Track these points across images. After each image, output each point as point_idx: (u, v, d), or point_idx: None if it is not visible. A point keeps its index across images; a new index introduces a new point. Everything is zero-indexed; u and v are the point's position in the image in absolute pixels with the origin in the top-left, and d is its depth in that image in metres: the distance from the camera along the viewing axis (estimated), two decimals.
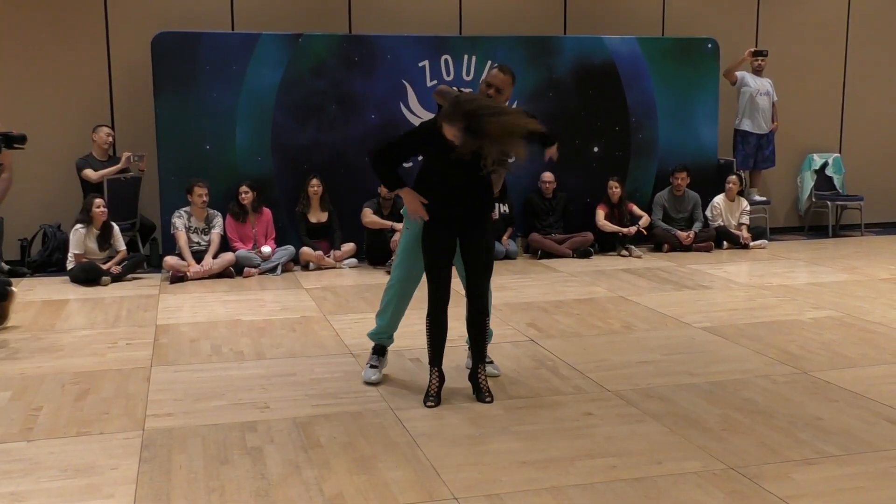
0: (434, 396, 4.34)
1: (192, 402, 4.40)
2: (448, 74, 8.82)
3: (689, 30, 9.84)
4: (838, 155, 10.54)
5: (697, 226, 9.16)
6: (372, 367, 4.75)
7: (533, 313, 6.30)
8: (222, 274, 7.82)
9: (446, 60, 8.80)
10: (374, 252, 8.28)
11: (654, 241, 9.08)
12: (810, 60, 10.45)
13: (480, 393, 4.40)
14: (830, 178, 10.44)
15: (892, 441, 3.83)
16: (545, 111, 8.82)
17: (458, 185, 4.30)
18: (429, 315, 4.38)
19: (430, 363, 4.42)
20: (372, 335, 4.84)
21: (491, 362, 4.88)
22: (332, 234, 8.35)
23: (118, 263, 7.68)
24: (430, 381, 4.39)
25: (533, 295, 6.97)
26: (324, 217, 8.31)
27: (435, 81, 8.77)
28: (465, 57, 8.84)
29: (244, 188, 8.06)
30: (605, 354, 5.22)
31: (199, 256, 7.81)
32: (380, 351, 4.81)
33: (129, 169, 8.20)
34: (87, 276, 7.46)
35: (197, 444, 3.84)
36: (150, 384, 4.70)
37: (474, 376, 4.47)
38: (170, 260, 7.72)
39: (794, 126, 10.33)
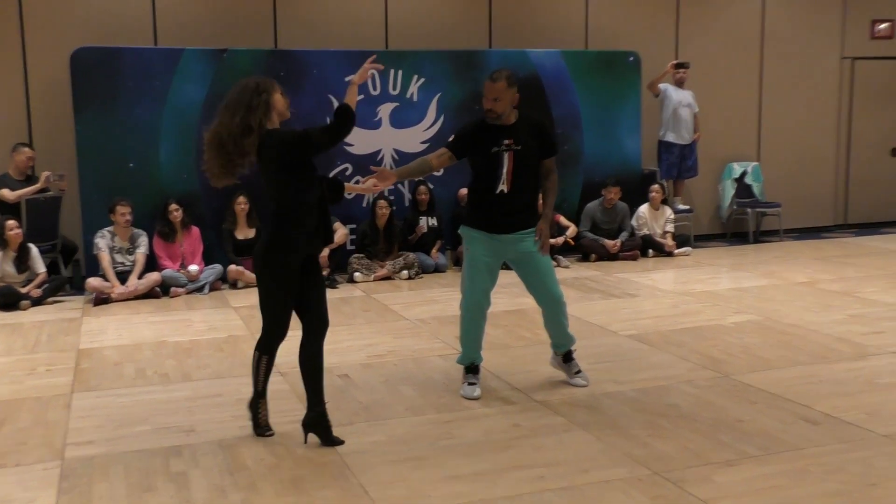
0: (267, 425, 4.13)
1: (114, 428, 4.30)
2: (374, 89, 8.83)
3: (611, 43, 10.05)
4: (757, 164, 10.87)
5: (624, 235, 9.33)
6: (471, 384, 4.72)
7: None
8: (148, 294, 7.66)
9: (372, 75, 8.79)
10: None
11: (582, 250, 9.22)
12: (728, 73, 10.77)
13: (330, 436, 3.99)
14: (750, 186, 10.76)
15: (808, 440, 3.96)
16: None
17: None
18: (260, 348, 4.04)
19: (259, 395, 4.10)
20: (461, 360, 4.82)
21: (580, 372, 4.89)
22: None
23: (38, 286, 7.46)
24: (261, 412, 4.11)
25: None
26: (251, 234, 8.21)
27: (362, 96, 8.77)
28: (392, 71, 8.87)
29: (174, 206, 7.93)
30: (533, 365, 5.27)
31: (123, 277, 7.64)
32: (474, 370, 4.79)
33: (49, 189, 7.98)
34: (5, 300, 7.23)
35: (119, 471, 3.75)
36: (71, 411, 4.57)
37: (319, 421, 3.98)
38: (93, 281, 7.54)
39: (715, 136, 10.62)
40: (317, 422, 3.98)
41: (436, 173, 8.93)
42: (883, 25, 11.32)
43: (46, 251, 7.88)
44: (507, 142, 4.55)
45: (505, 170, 4.53)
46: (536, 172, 4.67)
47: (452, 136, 4.73)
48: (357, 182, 8.38)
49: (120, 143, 8.14)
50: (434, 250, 8.78)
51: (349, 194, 4.96)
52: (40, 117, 8.43)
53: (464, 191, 8.75)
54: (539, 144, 4.64)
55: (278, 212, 3.90)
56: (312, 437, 4.01)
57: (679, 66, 10.01)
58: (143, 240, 7.85)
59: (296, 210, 3.87)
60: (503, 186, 4.55)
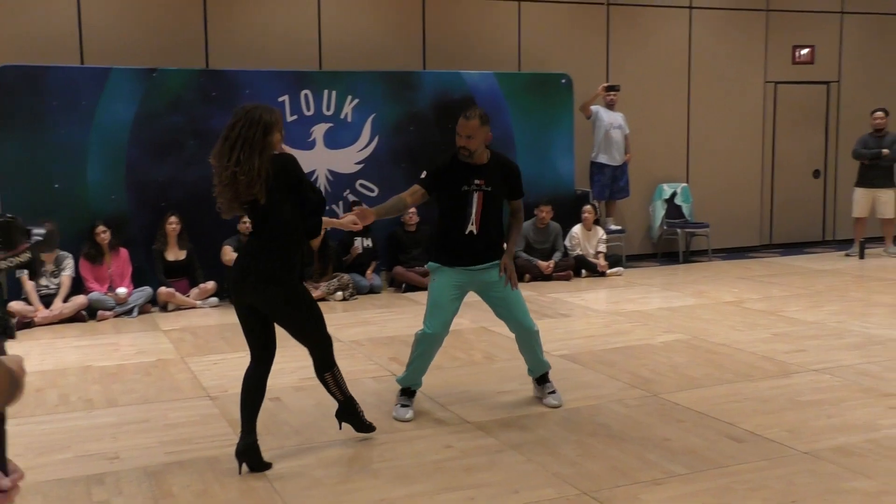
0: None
1: (33, 456, 4.16)
2: (308, 109, 8.80)
3: (544, 65, 10.21)
4: (686, 185, 11.13)
5: (557, 255, 9.43)
6: (404, 406, 4.69)
7: (396, 347, 6.30)
8: (74, 318, 7.47)
9: (306, 95, 8.78)
10: None
11: (517, 271, 9.26)
12: (657, 95, 11.02)
13: (260, 460, 3.95)
14: (679, 207, 11.00)
15: (732, 457, 4.04)
16: (407, 145, 8.95)
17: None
18: (333, 364, 4.15)
19: (351, 399, 4.26)
20: (402, 381, 4.78)
21: (553, 392, 4.91)
22: (191, 273, 8.12)
23: None
24: (360, 411, 4.28)
25: (396, 328, 6.99)
26: (182, 255, 8.08)
27: (295, 116, 8.73)
28: (326, 92, 8.85)
29: (101, 227, 7.76)
30: (467, 386, 5.29)
31: (47, 300, 7.44)
32: (410, 393, 4.76)
33: None
34: None
35: (37, 502, 3.63)
36: None
37: (253, 448, 3.96)
38: (15, 305, 7.31)
39: (646, 158, 10.84)
40: (251, 448, 3.91)
41: (370, 193, 8.96)
42: (804, 51, 11.75)
43: None
44: (477, 182, 4.58)
45: (473, 209, 4.57)
46: (502, 211, 4.73)
47: (424, 173, 4.70)
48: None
49: (44, 163, 7.95)
50: (369, 271, 8.76)
51: (326, 228, 4.96)
52: None
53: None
54: (508, 186, 4.72)
55: (284, 237, 3.89)
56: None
57: (610, 88, 10.21)
58: (69, 262, 7.66)
59: (300, 233, 3.96)
60: (472, 227, 4.59)
